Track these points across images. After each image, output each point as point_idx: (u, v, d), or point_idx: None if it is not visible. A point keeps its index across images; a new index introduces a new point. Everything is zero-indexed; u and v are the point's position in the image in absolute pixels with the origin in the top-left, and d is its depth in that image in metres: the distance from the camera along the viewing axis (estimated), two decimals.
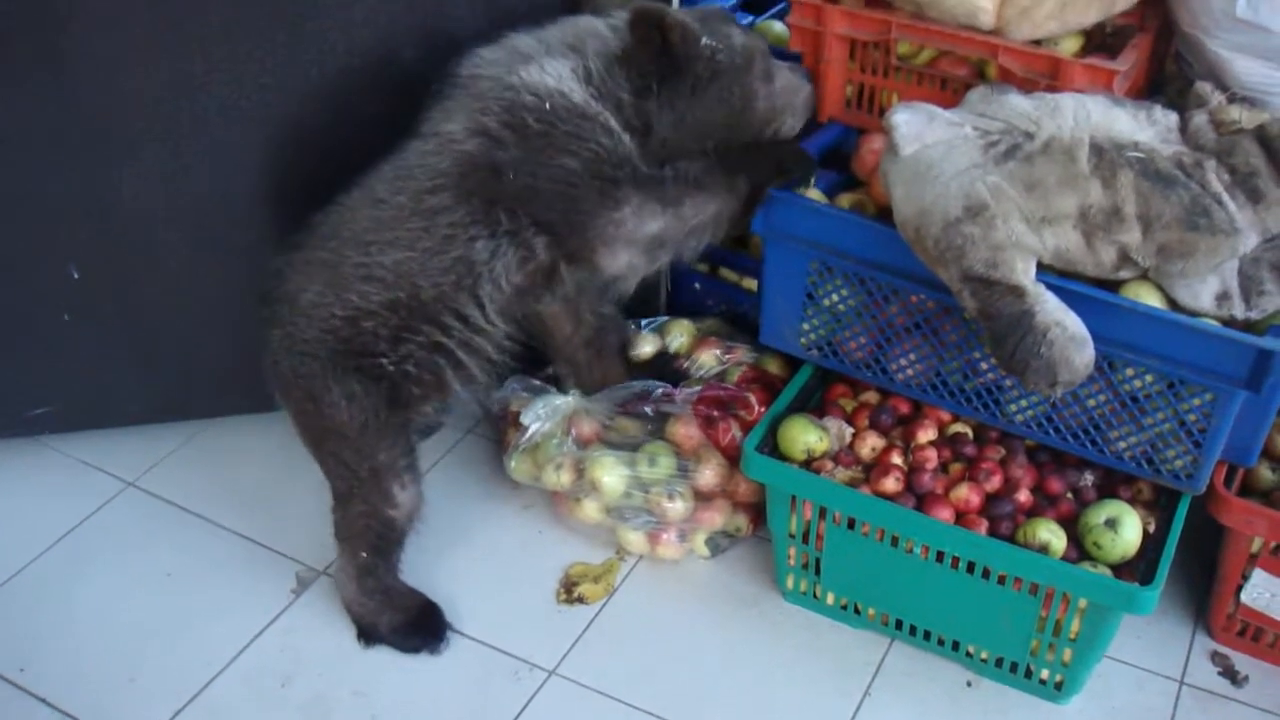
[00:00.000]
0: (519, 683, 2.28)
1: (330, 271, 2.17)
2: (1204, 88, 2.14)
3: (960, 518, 2.17)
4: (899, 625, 2.29)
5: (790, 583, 2.37)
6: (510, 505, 2.63)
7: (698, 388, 2.47)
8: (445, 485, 2.66)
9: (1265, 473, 2.26)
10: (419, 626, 2.35)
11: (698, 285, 2.79)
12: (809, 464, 2.28)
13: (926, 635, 2.28)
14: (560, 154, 2.11)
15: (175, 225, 2.46)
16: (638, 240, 2.17)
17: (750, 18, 3.12)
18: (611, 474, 2.40)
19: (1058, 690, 2.20)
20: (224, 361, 2.65)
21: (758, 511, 2.45)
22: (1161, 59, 2.46)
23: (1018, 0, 2.23)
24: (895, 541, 2.17)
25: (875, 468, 2.25)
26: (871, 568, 2.24)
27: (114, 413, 2.71)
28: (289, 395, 2.26)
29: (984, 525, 2.16)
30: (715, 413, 2.45)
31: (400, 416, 2.25)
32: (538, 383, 2.57)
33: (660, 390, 2.48)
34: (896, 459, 2.26)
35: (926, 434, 2.31)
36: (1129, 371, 2.04)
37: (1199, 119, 2.06)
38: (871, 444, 2.30)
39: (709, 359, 2.59)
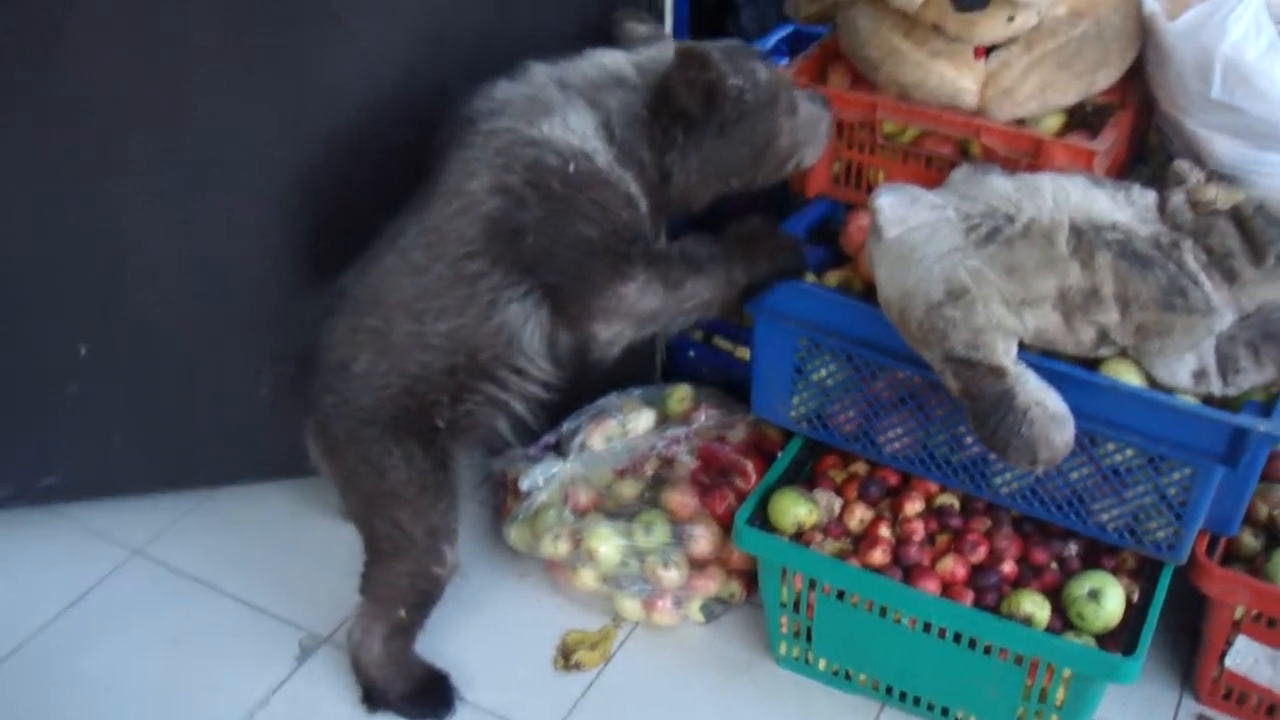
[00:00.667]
0: None
1: (381, 340, 2.17)
2: (1182, 166, 2.18)
3: (946, 589, 2.22)
4: (889, 691, 2.34)
5: (783, 649, 2.41)
6: (508, 573, 2.66)
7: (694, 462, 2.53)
8: None
9: (1249, 539, 2.30)
10: (430, 695, 2.37)
11: (693, 353, 2.84)
12: (799, 535, 2.33)
13: (916, 701, 2.32)
14: (581, 221, 2.12)
15: (181, 300, 2.51)
16: (635, 315, 2.20)
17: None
18: (608, 544, 2.45)
19: None
20: (229, 430, 2.70)
21: (751, 578, 2.49)
22: (1144, 133, 2.52)
23: (1000, 81, 2.30)
24: (884, 612, 2.22)
25: (864, 540, 2.30)
26: (861, 636, 2.28)
27: (121, 481, 2.75)
28: (339, 460, 2.25)
29: (970, 596, 2.21)
30: (711, 480, 2.50)
31: (453, 475, 2.28)
32: (535, 450, 2.63)
33: (662, 444, 2.54)
34: (884, 531, 2.31)
35: (914, 505, 2.35)
36: (1110, 446, 2.09)
37: (1177, 198, 2.11)
38: (860, 516, 2.35)
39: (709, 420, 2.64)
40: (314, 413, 2.25)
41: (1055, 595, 2.22)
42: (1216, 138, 2.23)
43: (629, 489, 2.57)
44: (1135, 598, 2.21)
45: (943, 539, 2.32)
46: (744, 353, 2.75)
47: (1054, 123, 2.38)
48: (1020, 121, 2.34)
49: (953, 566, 2.23)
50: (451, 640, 2.49)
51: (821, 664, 2.39)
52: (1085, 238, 2.01)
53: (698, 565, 2.48)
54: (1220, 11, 2.12)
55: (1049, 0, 2.25)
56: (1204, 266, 2.02)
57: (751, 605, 2.55)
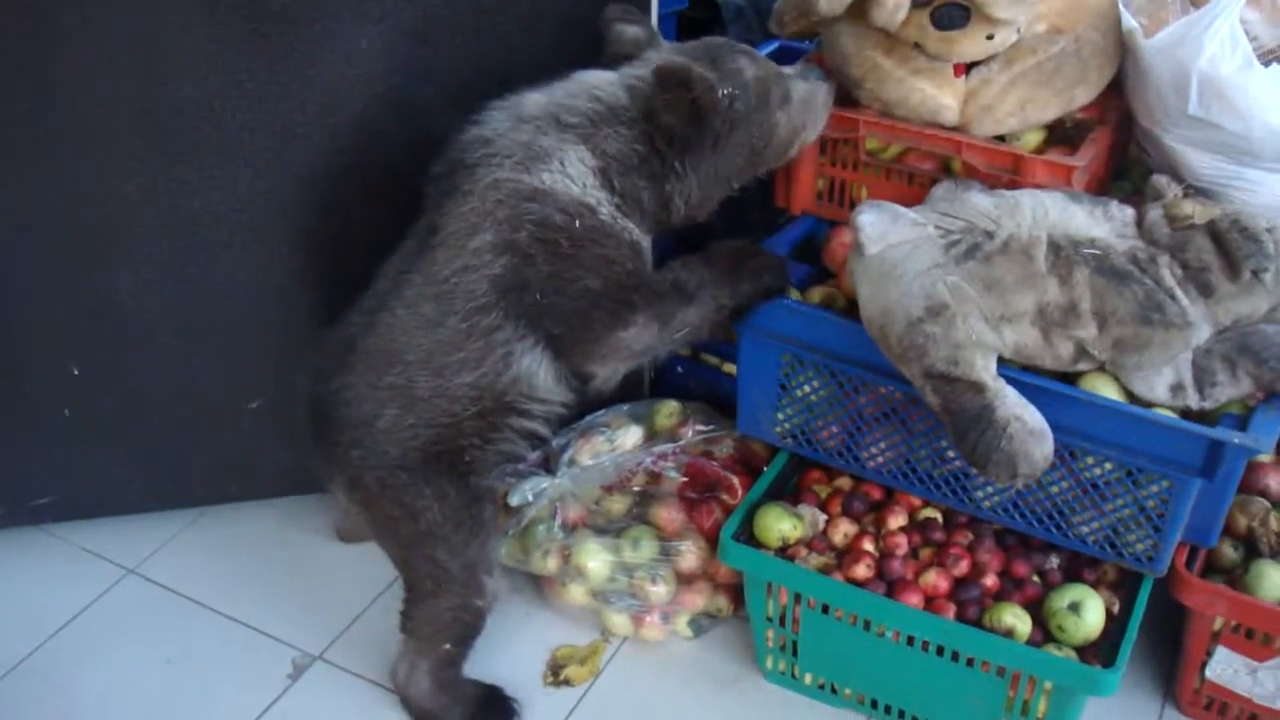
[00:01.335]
0: None
1: (405, 395, 2.16)
2: (1160, 180, 2.21)
3: (929, 602, 2.24)
4: (875, 705, 2.36)
5: (769, 663, 2.44)
6: (498, 588, 2.67)
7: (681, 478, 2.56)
8: None
9: (1228, 551, 2.31)
10: (490, 712, 2.37)
11: (680, 369, 2.87)
12: (784, 550, 2.35)
13: (901, 714, 2.34)
14: (587, 275, 2.13)
15: (172, 322, 2.53)
16: (632, 354, 2.23)
17: None
18: (596, 559, 2.47)
19: None
20: (222, 450, 2.72)
21: (738, 592, 2.51)
22: (1124, 147, 2.54)
23: (980, 98, 2.31)
24: (868, 626, 2.24)
25: (848, 554, 2.32)
26: (846, 650, 2.30)
27: (115, 501, 2.78)
28: (374, 508, 2.24)
29: (952, 610, 2.23)
30: (698, 496, 2.52)
31: (485, 508, 2.28)
32: (524, 466, 2.65)
33: (650, 460, 2.57)
34: (868, 545, 2.33)
35: (897, 519, 2.38)
36: (1089, 460, 2.11)
37: (1154, 213, 2.13)
38: (844, 530, 2.37)
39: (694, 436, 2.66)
40: (342, 467, 2.23)
41: (1037, 608, 2.24)
42: (1193, 153, 2.26)
43: (617, 504, 2.59)
44: (1116, 610, 2.24)
45: (926, 553, 2.34)
46: (731, 368, 2.77)
47: (1034, 139, 2.40)
48: (1001, 138, 2.36)
49: (935, 580, 2.26)
50: None
51: (808, 678, 2.41)
52: (1063, 253, 2.04)
53: (685, 580, 2.50)
54: (1196, 28, 2.13)
55: (1028, 18, 2.27)
56: (1180, 281, 2.04)
57: (738, 620, 2.57)
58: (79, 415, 2.59)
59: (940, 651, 2.19)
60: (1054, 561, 2.32)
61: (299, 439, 2.32)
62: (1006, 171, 2.30)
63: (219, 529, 2.84)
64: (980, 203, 2.15)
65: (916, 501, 2.42)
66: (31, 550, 2.77)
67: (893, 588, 2.26)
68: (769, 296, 2.29)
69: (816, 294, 2.45)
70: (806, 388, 2.33)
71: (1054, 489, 2.17)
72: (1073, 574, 2.31)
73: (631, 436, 2.68)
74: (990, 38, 2.25)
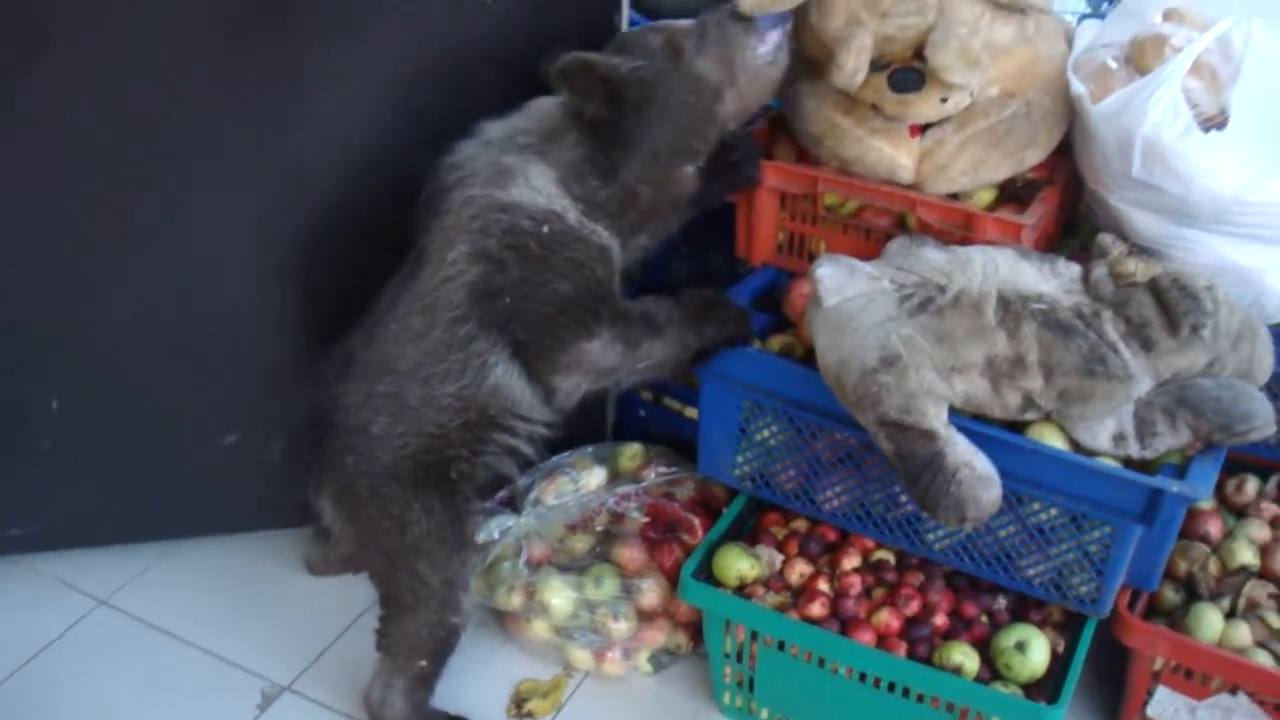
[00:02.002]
0: None
1: (396, 404, 2.27)
2: (1106, 239, 2.30)
3: (881, 640, 2.32)
4: None
5: (727, 699, 2.50)
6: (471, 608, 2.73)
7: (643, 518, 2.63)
8: None
9: (1169, 594, 2.39)
10: None
11: (643, 413, 2.94)
12: (742, 589, 2.42)
13: None
14: (557, 278, 2.23)
15: (150, 357, 2.58)
16: (595, 370, 2.32)
17: None
18: (560, 596, 2.53)
19: None
20: (195, 483, 2.76)
21: (697, 630, 2.57)
22: (1072, 206, 2.63)
23: (934, 157, 2.40)
24: (822, 662, 2.31)
25: (803, 593, 2.39)
26: (801, 686, 2.37)
27: (89, 533, 2.81)
28: (361, 518, 2.33)
29: (903, 648, 2.30)
30: (660, 536, 2.60)
31: (467, 526, 2.37)
32: (490, 504, 2.71)
33: (613, 500, 2.64)
34: (823, 585, 2.40)
35: (851, 561, 2.46)
36: (1035, 506, 2.19)
37: (1099, 270, 2.22)
38: (800, 570, 2.45)
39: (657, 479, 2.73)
40: (335, 473, 2.33)
41: (984, 647, 2.32)
42: (1136, 213, 2.34)
43: (580, 543, 2.66)
44: (1060, 649, 2.32)
45: (878, 593, 2.42)
46: (692, 412, 2.83)
47: (986, 197, 2.49)
48: (954, 196, 2.44)
49: (887, 619, 2.34)
50: None
51: (764, 713, 2.47)
52: (1012, 308, 2.12)
53: (646, 617, 2.57)
54: (1140, 95, 2.22)
55: (980, 83, 2.35)
56: (1123, 335, 2.13)
57: (697, 656, 2.63)
58: (57, 448, 2.63)
59: (892, 688, 2.26)
60: (1001, 602, 2.40)
61: (286, 454, 2.39)
62: (959, 228, 2.39)
63: (191, 561, 2.87)
64: (933, 258, 2.24)
65: (870, 544, 2.50)
66: (3, 580, 2.80)
67: (846, 626, 2.34)
68: (733, 344, 2.37)
69: (776, 342, 2.53)
70: (765, 432, 2.41)
71: (1002, 533, 2.25)
72: (1019, 614, 2.39)
73: (595, 477, 2.73)
74: (944, 101, 2.34)
